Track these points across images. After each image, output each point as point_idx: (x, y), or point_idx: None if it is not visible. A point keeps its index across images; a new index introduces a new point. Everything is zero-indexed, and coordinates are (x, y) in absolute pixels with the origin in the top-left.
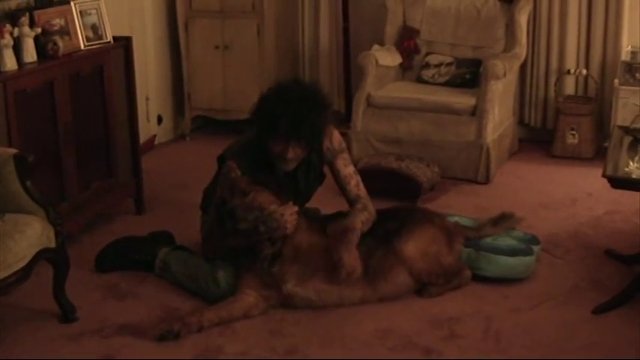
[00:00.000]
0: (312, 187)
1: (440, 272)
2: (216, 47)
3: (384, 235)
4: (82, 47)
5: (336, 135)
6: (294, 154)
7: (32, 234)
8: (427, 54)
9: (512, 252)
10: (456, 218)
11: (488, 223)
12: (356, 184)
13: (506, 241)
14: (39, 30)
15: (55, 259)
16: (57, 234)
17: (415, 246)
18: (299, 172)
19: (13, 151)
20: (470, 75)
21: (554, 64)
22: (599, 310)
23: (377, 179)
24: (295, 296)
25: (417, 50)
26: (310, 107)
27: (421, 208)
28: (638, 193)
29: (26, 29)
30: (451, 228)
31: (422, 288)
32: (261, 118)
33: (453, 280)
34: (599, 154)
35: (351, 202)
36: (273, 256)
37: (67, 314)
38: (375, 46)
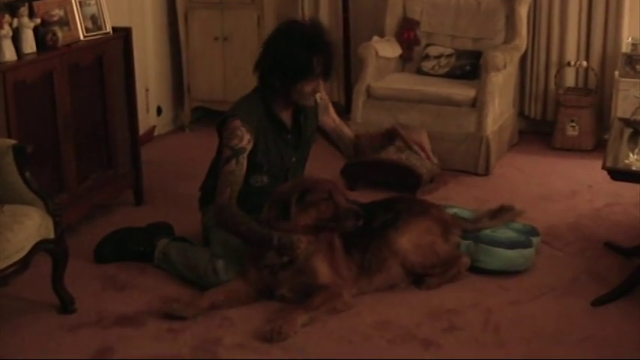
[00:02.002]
0: (310, 140)
1: (436, 262)
2: (216, 38)
3: (380, 226)
4: (82, 38)
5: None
6: (320, 87)
7: (31, 225)
8: (427, 45)
9: (511, 244)
10: (455, 210)
11: (486, 216)
12: (349, 128)
13: (505, 233)
14: (38, 21)
15: (53, 250)
16: (56, 225)
17: (409, 239)
18: (300, 119)
19: (12, 141)
20: (470, 67)
21: (554, 56)
22: (599, 302)
23: (377, 171)
24: (287, 299)
25: (417, 42)
26: (327, 39)
27: (419, 199)
28: (638, 185)
29: (25, 20)
30: (448, 219)
31: (420, 280)
32: (292, 63)
33: (450, 270)
34: (599, 146)
35: (352, 139)
36: (277, 266)
37: (65, 305)
38: (375, 38)
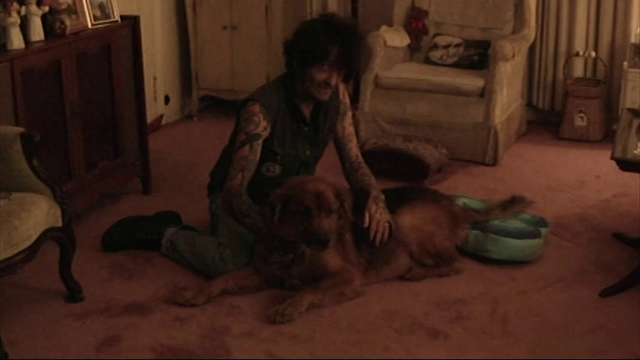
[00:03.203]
0: (327, 138)
1: (432, 252)
2: (224, 27)
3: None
4: (90, 26)
5: (347, 91)
6: (336, 81)
7: (39, 213)
8: (435, 35)
9: (519, 234)
10: (464, 200)
11: (498, 207)
12: (356, 144)
13: (514, 223)
14: (46, 8)
15: (61, 238)
16: (63, 213)
17: (411, 220)
18: (319, 115)
19: (20, 129)
20: (478, 56)
21: (562, 46)
22: (607, 293)
23: (385, 160)
24: (298, 287)
25: (425, 31)
26: (354, 35)
27: (431, 189)
28: None
29: (33, 8)
30: (458, 212)
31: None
32: (308, 46)
33: (442, 267)
34: (607, 137)
35: (352, 161)
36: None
37: (73, 294)
38: (384, 27)
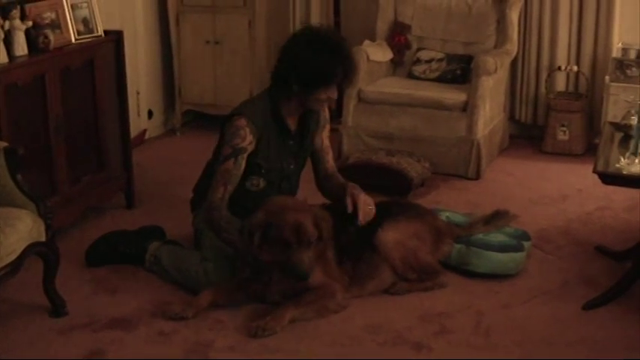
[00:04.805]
0: (309, 149)
1: (415, 266)
2: (207, 42)
3: (372, 232)
4: (73, 41)
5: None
6: (337, 92)
7: (22, 228)
8: (418, 49)
9: (502, 248)
10: (447, 214)
11: (481, 221)
12: (332, 157)
13: (496, 237)
14: (30, 23)
15: (45, 253)
16: (47, 228)
17: (394, 236)
18: (305, 129)
19: (4, 144)
20: (461, 71)
21: (545, 61)
22: (590, 306)
23: (368, 174)
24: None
25: (408, 46)
26: (348, 48)
27: (415, 204)
28: (628, 189)
29: (17, 22)
30: (442, 228)
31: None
32: (312, 72)
33: (426, 281)
34: (589, 151)
35: (327, 173)
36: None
37: (57, 308)
38: (366, 42)
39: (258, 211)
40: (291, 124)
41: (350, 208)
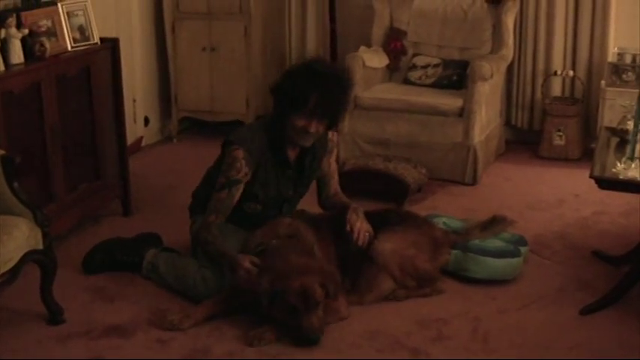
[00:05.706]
0: (312, 177)
1: (413, 274)
2: (203, 49)
3: (370, 243)
4: (69, 48)
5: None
6: (316, 129)
7: (19, 236)
8: (414, 55)
9: (499, 253)
10: (444, 219)
11: (477, 227)
12: (337, 180)
13: (493, 242)
14: (26, 31)
15: (42, 260)
16: (44, 236)
17: (392, 246)
18: (306, 158)
19: (0, 152)
20: (457, 76)
21: (541, 66)
22: (587, 310)
23: (364, 180)
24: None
25: (404, 52)
26: (338, 84)
27: (412, 214)
28: (624, 194)
29: (13, 30)
30: (439, 238)
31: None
32: (288, 92)
33: (424, 288)
34: (585, 156)
35: (330, 194)
36: None
37: (54, 316)
38: (362, 48)
39: (261, 276)
40: (292, 153)
41: (348, 229)
